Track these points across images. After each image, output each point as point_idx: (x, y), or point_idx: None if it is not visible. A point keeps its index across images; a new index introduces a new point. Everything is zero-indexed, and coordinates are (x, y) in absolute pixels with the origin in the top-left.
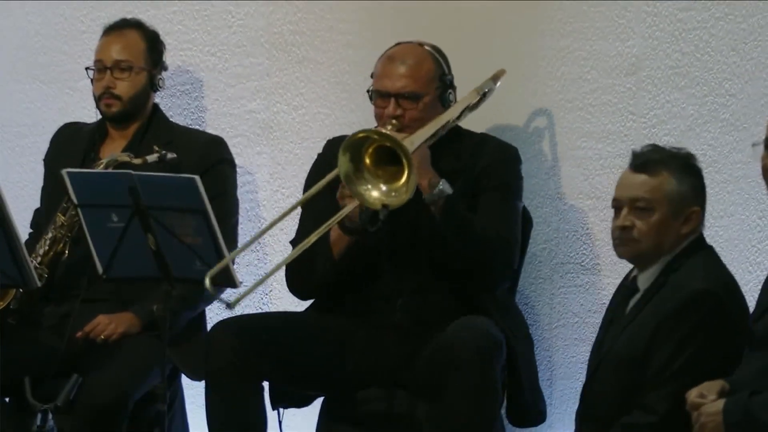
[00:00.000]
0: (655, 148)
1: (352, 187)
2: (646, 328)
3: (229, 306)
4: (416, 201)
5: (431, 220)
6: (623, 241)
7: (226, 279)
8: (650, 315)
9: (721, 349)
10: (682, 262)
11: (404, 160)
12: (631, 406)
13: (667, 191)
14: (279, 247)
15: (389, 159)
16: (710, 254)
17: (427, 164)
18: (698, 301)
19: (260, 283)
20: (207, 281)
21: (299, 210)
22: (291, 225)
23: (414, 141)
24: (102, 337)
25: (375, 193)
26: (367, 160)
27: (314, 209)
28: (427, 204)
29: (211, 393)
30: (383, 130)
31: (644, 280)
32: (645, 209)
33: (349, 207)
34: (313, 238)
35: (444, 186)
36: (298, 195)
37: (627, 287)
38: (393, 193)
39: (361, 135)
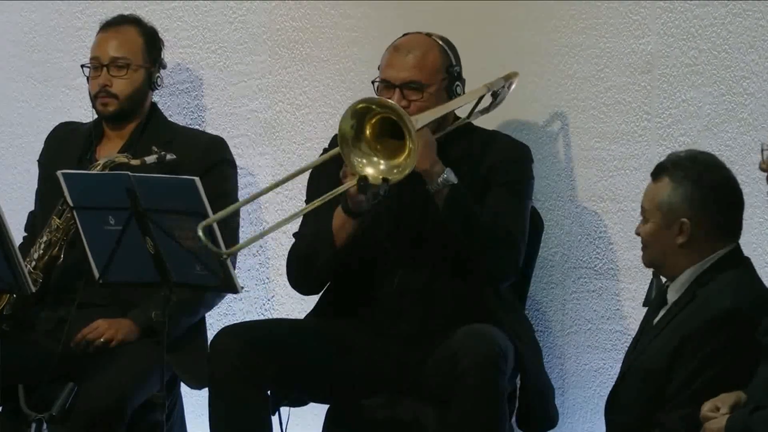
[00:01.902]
0: (678, 154)
1: (345, 151)
2: (671, 342)
3: (222, 256)
4: (422, 199)
5: (435, 213)
6: (642, 249)
7: (227, 284)
8: (676, 329)
9: (747, 371)
10: (713, 276)
11: (406, 133)
12: (652, 421)
13: (659, 200)
14: (281, 250)
15: (392, 133)
16: (745, 268)
17: (432, 151)
18: (725, 320)
19: (259, 237)
20: (199, 230)
21: (301, 204)
22: (293, 227)
23: (419, 119)
24: (101, 339)
25: (371, 168)
26: (368, 131)
27: (318, 198)
28: (431, 193)
29: (215, 400)
30: (389, 101)
31: (673, 292)
32: (644, 218)
33: (350, 183)
34: (316, 203)
35: (449, 175)
36: (301, 196)
37: (657, 297)
38: (395, 170)
39: (364, 104)
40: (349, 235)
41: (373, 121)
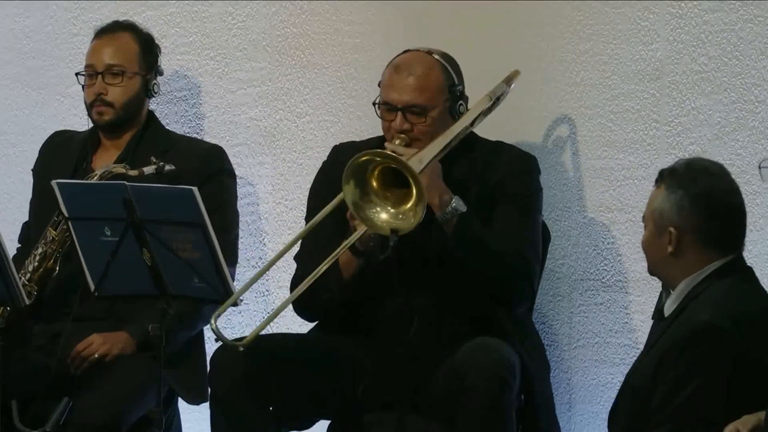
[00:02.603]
0: (680, 161)
1: (361, 214)
2: (655, 358)
3: (239, 346)
4: (428, 221)
5: (444, 241)
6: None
7: (226, 296)
8: (661, 344)
9: (730, 387)
10: (706, 287)
11: (411, 182)
12: None
13: (653, 208)
14: (281, 262)
15: (397, 180)
16: (742, 279)
17: (438, 180)
18: (698, 334)
19: (269, 321)
20: (213, 322)
21: (301, 222)
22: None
23: (423, 158)
24: (96, 355)
25: (384, 216)
26: (374, 183)
27: (317, 225)
28: (439, 223)
29: (217, 416)
30: (386, 152)
31: (669, 306)
32: (644, 226)
33: (360, 231)
34: (322, 267)
35: (457, 203)
36: (301, 207)
37: (657, 312)
38: (401, 216)
39: (363, 158)
40: (356, 272)
41: (376, 172)
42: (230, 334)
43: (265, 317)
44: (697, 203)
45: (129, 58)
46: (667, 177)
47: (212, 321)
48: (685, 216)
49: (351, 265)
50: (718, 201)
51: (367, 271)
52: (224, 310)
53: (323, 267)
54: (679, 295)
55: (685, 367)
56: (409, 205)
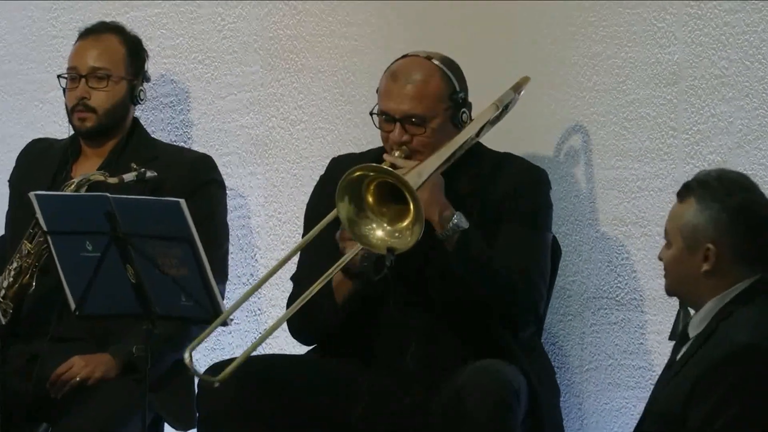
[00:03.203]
0: (707, 172)
1: (356, 231)
2: (687, 381)
3: (215, 382)
4: (427, 238)
5: (444, 259)
6: (665, 276)
7: (215, 316)
8: (693, 367)
9: None
10: (737, 308)
11: (409, 198)
12: None
13: (682, 222)
14: (274, 279)
15: (395, 195)
16: None
17: (440, 195)
18: (740, 357)
19: (249, 352)
20: (187, 355)
21: (295, 236)
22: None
23: (422, 172)
24: (77, 378)
25: (379, 233)
26: (370, 198)
27: (315, 243)
28: (440, 240)
29: None
30: (382, 166)
31: (694, 326)
32: (667, 241)
33: (351, 252)
34: (314, 289)
35: (459, 220)
36: (296, 221)
37: (681, 331)
38: (397, 234)
39: (357, 173)
40: (350, 295)
41: (372, 186)
42: (220, 356)
43: (256, 339)
44: (736, 218)
45: (115, 61)
46: (697, 189)
47: (186, 354)
48: (722, 231)
49: (344, 288)
50: (755, 215)
51: (363, 291)
52: (200, 342)
53: (312, 292)
54: (706, 315)
55: (725, 390)
56: (405, 222)
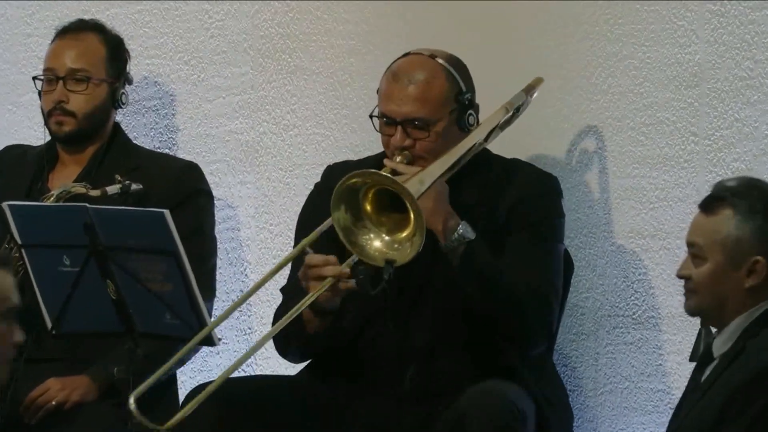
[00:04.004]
0: (733, 181)
1: (353, 240)
2: (717, 401)
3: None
4: (431, 250)
5: (448, 272)
6: (685, 294)
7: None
8: (722, 387)
9: None
10: (765, 326)
11: (409, 207)
12: None
13: (722, 236)
14: (265, 296)
15: (395, 203)
16: None
17: (444, 204)
18: None
19: (213, 389)
20: (131, 402)
21: (288, 249)
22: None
23: (424, 179)
24: (53, 403)
25: (377, 244)
26: (368, 207)
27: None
28: (444, 252)
29: None
30: (380, 172)
31: (719, 346)
32: (698, 257)
33: (317, 291)
34: (282, 323)
35: (464, 230)
36: (288, 233)
37: (704, 352)
38: (396, 245)
39: (354, 180)
40: (322, 329)
41: (371, 194)
42: (207, 377)
43: (245, 364)
44: None
45: (95, 62)
46: (733, 200)
47: (131, 399)
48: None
49: (314, 323)
50: None
51: (359, 307)
52: (152, 384)
53: (283, 323)
54: (732, 334)
55: (760, 410)
56: (405, 233)
